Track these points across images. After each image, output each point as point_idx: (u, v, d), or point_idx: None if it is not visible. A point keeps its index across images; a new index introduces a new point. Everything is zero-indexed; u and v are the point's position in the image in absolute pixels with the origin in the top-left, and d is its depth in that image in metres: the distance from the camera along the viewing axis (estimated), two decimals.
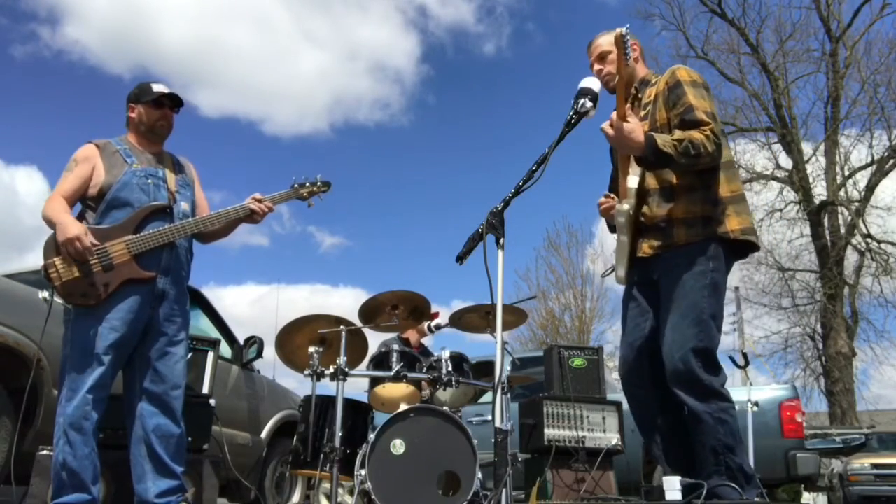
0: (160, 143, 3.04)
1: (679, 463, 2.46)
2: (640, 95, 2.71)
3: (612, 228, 2.81)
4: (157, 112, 2.96)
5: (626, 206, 2.63)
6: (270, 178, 33.34)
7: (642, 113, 2.65)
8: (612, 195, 2.80)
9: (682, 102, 2.47)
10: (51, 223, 2.72)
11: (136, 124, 2.98)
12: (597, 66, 2.73)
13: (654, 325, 2.59)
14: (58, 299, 2.75)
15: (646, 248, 2.60)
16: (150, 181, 2.87)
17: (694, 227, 2.48)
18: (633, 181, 2.62)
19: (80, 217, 2.82)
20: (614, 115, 2.38)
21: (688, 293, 2.43)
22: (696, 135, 2.38)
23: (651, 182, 2.60)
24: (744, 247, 2.54)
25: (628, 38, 2.20)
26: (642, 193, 2.62)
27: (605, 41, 2.71)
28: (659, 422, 2.59)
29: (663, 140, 2.37)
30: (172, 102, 3.01)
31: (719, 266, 2.47)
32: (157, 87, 2.97)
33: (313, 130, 37.31)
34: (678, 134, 2.42)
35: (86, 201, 2.84)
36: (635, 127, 2.36)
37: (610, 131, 2.38)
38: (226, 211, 3.01)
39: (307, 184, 3.24)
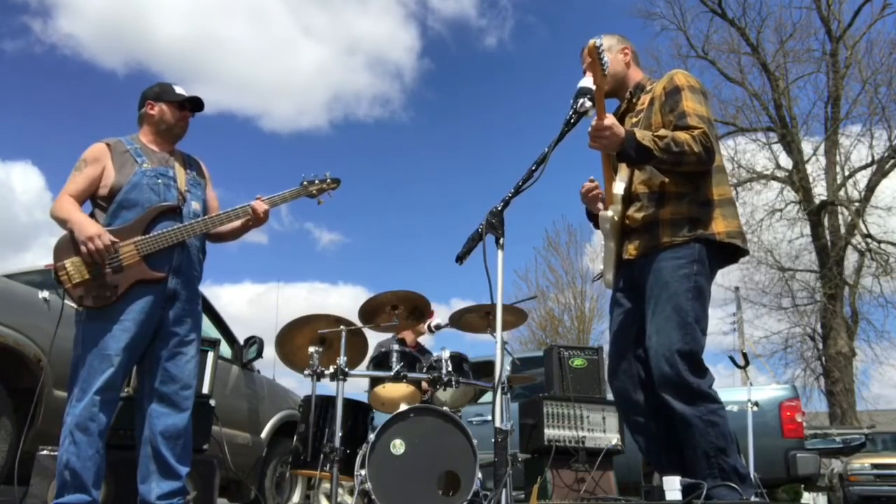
0: (173, 144, 3.03)
1: (673, 468, 2.44)
2: (634, 100, 2.70)
3: (590, 216, 2.78)
4: (179, 113, 2.98)
5: (610, 213, 2.61)
6: (269, 174, 33.04)
7: (634, 119, 2.64)
8: (595, 181, 2.75)
9: (679, 108, 2.47)
10: (64, 223, 2.72)
11: (155, 122, 2.96)
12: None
13: (639, 330, 2.56)
14: (68, 301, 2.75)
15: (631, 249, 2.59)
16: (160, 181, 2.85)
17: (680, 227, 2.47)
18: (619, 187, 2.60)
19: (91, 217, 2.80)
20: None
21: (672, 296, 2.42)
22: (680, 134, 2.38)
23: (640, 187, 2.58)
24: (729, 250, 2.52)
25: (603, 48, 2.18)
26: (629, 199, 2.61)
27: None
28: (651, 427, 2.58)
29: (642, 134, 2.37)
30: (193, 107, 3.02)
31: (703, 270, 2.45)
32: (179, 90, 2.98)
33: (312, 126, 37.11)
34: (662, 132, 2.41)
35: (96, 201, 2.83)
36: (614, 124, 2.36)
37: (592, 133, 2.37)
38: (234, 210, 2.98)
39: (316, 181, 3.20)
